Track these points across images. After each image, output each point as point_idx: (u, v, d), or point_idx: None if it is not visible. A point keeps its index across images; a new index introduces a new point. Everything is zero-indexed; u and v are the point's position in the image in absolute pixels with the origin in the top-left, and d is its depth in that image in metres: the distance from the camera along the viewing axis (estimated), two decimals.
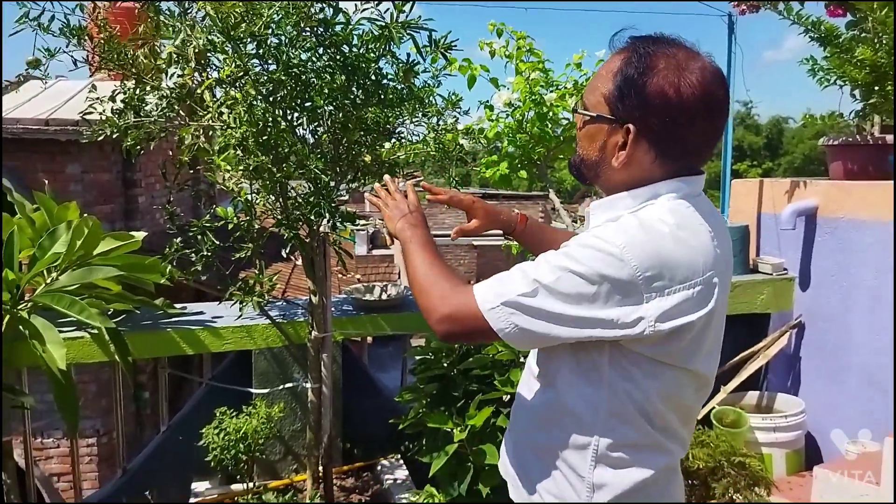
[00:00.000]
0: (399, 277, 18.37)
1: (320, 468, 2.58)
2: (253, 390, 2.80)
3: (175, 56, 2.20)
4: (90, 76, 2.66)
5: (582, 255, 1.07)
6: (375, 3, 2.16)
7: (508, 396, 2.31)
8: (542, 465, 1.24)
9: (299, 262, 2.56)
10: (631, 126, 1.12)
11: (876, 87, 3.00)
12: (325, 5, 2.14)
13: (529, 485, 1.27)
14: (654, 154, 1.13)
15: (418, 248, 1.31)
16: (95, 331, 2.43)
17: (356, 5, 2.22)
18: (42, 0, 2.30)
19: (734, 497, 2.59)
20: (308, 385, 2.56)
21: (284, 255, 2.41)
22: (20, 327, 2.27)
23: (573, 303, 1.07)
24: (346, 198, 2.64)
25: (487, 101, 3.48)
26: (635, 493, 1.17)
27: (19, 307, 2.28)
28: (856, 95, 3.16)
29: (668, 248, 1.07)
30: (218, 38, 2.11)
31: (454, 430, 2.24)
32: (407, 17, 2.19)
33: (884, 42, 2.93)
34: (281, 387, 2.80)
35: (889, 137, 3.12)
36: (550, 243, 1.54)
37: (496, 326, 1.11)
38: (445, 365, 2.47)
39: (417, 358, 2.58)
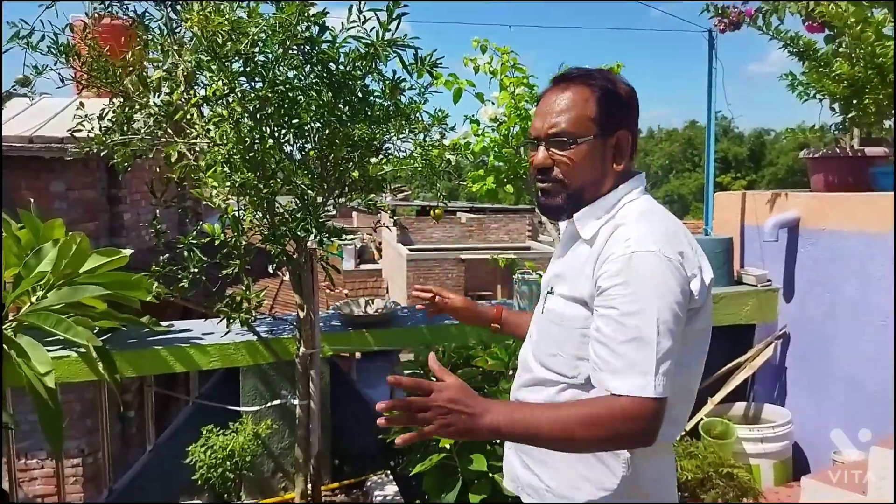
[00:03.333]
0: (387, 292, 18.35)
1: (309, 485, 2.56)
2: (241, 408, 2.78)
3: (164, 79, 2.21)
4: (77, 94, 2.66)
5: (643, 284, 1.19)
6: (361, 22, 2.18)
7: None
8: (572, 457, 1.31)
9: (286, 277, 2.56)
10: (625, 130, 1.33)
11: (854, 101, 3.07)
12: (311, 24, 2.16)
13: (561, 480, 1.33)
14: (632, 152, 1.35)
15: (533, 418, 1.18)
16: (83, 349, 2.41)
17: (342, 23, 2.25)
18: (34, 0, 2.31)
19: None
20: (296, 402, 2.56)
21: (271, 272, 2.41)
22: (5, 346, 2.25)
23: (677, 322, 1.19)
24: (333, 213, 2.65)
25: (473, 116, 3.51)
26: (656, 464, 1.32)
27: (4, 326, 2.26)
28: (835, 109, 3.22)
29: (672, 229, 1.28)
30: (205, 56, 2.12)
31: (441, 441, 2.24)
32: (393, 35, 2.22)
33: (861, 57, 2.99)
34: (269, 404, 2.79)
35: (868, 150, 3.17)
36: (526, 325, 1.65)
37: (665, 394, 1.16)
38: (435, 379, 2.47)
39: (406, 372, 2.58)
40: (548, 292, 1.39)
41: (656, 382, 1.15)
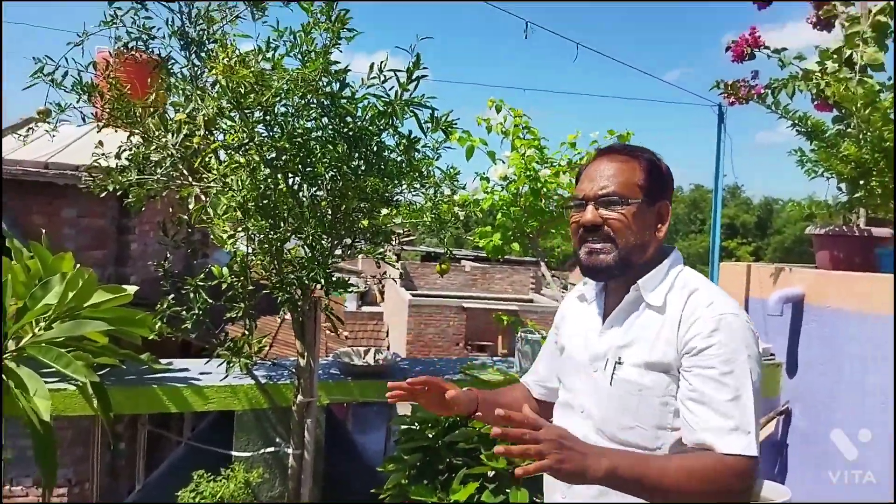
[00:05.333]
0: (387, 335, 18.24)
1: None
2: (233, 453, 2.75)
3: (184, 122, 2.26)
4: (98, 131, 2.71)
5: (736, 345, 1.24)
6: (381, 81, 2.24)
7: (494, 472, 2.29)
8: None
9: (288, 316, 2.56)
10: (667, 202, 1.39)
11: (861, 182, 3.10)
12: (332, 80, 2.22)
13: None
14: (669, 224, 1.40)
15: (645, 465, 1.17)
16: (80, 384, 2.40)
17: (362, 79, 2.31)
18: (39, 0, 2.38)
19: None
20: (290, 450, 2.53)
21: (280, 316, 2.42)
22: (3, 377, 2.25)
23: (759, 381, 1.25)
24: (339, 254, 2.67)
25: (484, 173, 3.56)
26: None
27: (5, 356, 2.26)
28: (842, 188, 3.25)
29: None
30: (227, 105, 2.17)
31: None
32: (411, 94, 2.27)
33: (868, 139, 3.04)
34: (262, 451, 2.76)
35: (875, 230, 3.19)
36: (508, 406, 1.51)
37: (756, 453, 1.20)
38: (431, 436, 2.45)
39: (402, 427, 2.56)
40: (616, 363, 1.34)
41: (756, 441, 1.19)
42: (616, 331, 1.37)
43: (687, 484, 1.15)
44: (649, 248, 1.37)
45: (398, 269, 2.92)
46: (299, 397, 2.47)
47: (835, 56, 3.17)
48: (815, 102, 3.32)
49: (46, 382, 2.27)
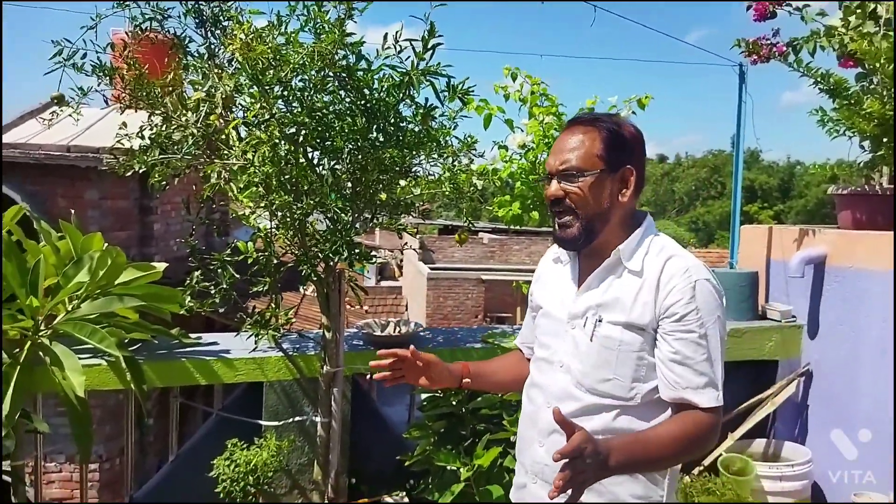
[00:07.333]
0: (406, 309, 18.37)
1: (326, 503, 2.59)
2: (263, 422, 2.82)
3: (202, 101, 2.28)
4: (120, 113, 2.75)
5: (708, 309, 1.39)
6: (397, 51, 2.24)
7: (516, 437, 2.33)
8: (627, 483, 1.43)
9: (308, 291, 2.60)
10: (630, 166, 1.45)
11: (885, 140, 3.05)
12: (348, 52, 2.22)
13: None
14: (636, 188, 1.47)
15: (645, 449, 1.33)
16: (112, 359, 2.48)
17: (377, 50, 2.31)
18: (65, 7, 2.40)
19: None
20: (318, 419, 2.59)
21: (301, 291, 2.47)
22: (40, 353, 2.32)
23: (726, 337, 1.43)
24: (359, 227, 2.70)
25: (502, 142, 3.56)
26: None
27: (40, 333, 2.33)
28: (864, 147, 3.21)
29: None
30: (245, 81, 2.19)
31: (461, 469, 2.26)
32: (427, 64, 2.27)
33: (892, 95, 2.99)
34: (291, 420, 2.83)
35: None
36: (495, 373, 1.77)
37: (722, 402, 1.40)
38: (454, 403, 2.50)
39: (426, 395, 2.61)
40: (596, 321, 1.45)
41: (722, 392, 1.39)
42: (594, 292, 1.48)
43: (682, 449, 1.35)
44: (612, 215, 1.46)
45: (417, 240, 2.95)
46: (325, 367, 2.53)
47: (858, 10, 3.11)
48: (840, 60, 3.26)
49: (80, 359, 2.34)
